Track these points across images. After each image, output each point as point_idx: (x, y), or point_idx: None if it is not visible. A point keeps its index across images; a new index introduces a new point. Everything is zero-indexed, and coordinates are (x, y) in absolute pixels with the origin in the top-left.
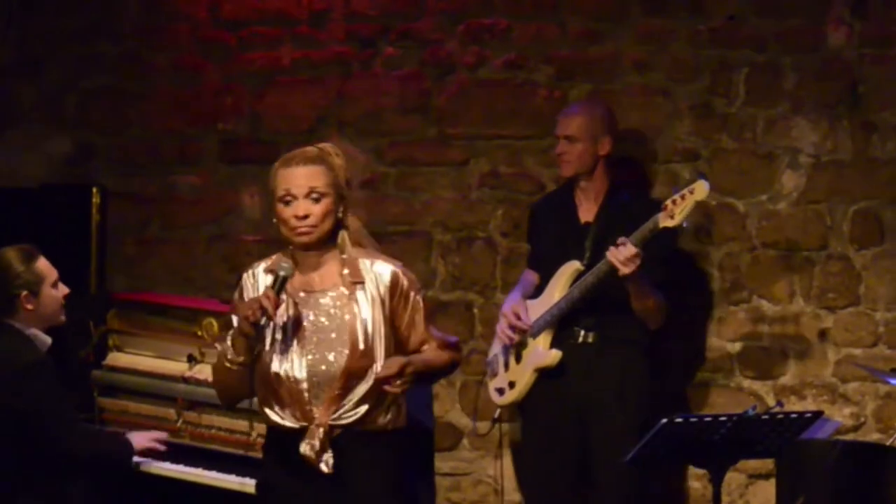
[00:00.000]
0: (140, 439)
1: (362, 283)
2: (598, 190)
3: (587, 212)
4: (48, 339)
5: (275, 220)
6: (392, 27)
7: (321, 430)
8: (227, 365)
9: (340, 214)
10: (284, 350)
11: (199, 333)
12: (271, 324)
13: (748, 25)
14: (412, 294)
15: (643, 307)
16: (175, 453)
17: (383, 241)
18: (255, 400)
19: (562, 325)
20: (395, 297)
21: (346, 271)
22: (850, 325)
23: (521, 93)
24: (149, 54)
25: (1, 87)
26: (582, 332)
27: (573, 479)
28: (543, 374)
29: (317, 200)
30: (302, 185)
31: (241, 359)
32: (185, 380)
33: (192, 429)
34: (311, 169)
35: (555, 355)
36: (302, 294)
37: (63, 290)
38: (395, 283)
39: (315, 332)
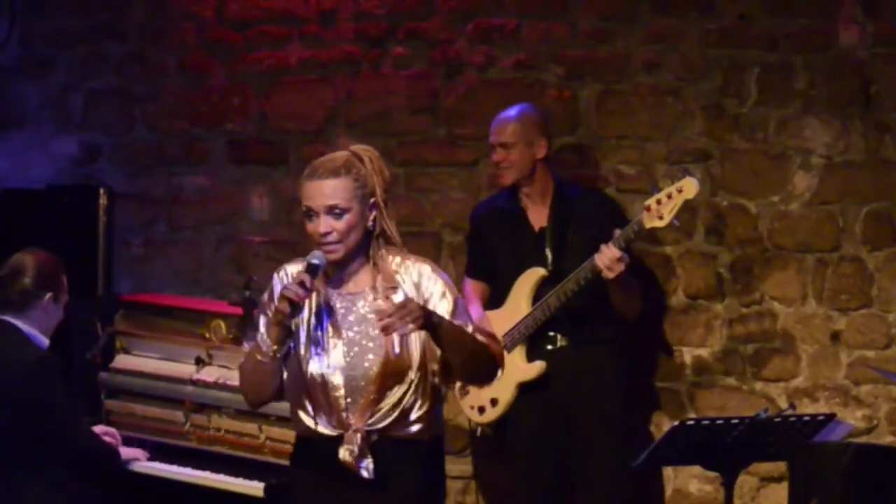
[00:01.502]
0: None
1: (396, 288)
2: (543, 193)
3: (538, 216)
4: (45, 341)
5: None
6: (400, 27)
7: (359, 435)
8: (259, 358)
9: (371, 223)
10: (320, 354)
11: (207, 335)
12: (305, 325)
13: (759, 25)
14: (446, 294)
15: (625, 302)
16: (182, 456)
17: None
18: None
19: (533, 333)
20: (429, 300)
21: (380, 278)
22: (862, 327)
23: (531, 93)
24: (155, 54)
25: (7, 88)
26: (558, 337)
27: (561, 484)
28: (525, 386)
29: (339, 216)
30: (322, 202)
31: (275, 349)
32: (193, 382)
33: (199, 432)
34: (332, 183)
35: (539, 367)
36: (337, 298)
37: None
38: (429, 285)
39: (351, 335)
